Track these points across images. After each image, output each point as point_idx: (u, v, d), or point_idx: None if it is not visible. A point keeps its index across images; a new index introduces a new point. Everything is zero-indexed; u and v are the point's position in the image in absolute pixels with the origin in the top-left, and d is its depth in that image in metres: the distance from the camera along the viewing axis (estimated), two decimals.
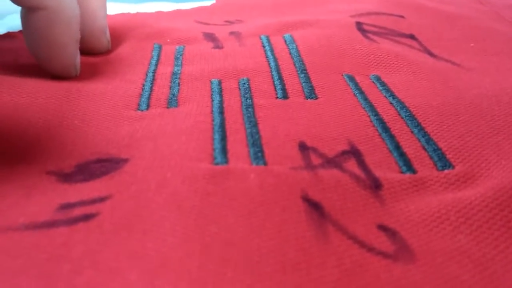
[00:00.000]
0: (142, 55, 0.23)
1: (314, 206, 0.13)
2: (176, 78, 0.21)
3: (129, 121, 0.18)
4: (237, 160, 0.14)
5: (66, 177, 0.14)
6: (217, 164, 0.14)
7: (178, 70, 0.22)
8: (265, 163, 0.14)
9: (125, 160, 0.14)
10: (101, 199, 0.12)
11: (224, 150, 0.15)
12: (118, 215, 0.12)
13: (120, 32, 0.26)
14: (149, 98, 0.19)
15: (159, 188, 0.13)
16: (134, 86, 0.20)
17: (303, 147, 0.15)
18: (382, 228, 0.12)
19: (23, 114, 0.17)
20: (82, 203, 0.12)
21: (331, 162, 0.15)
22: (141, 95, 0.19)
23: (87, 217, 0.12)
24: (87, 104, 0.18)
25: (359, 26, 0.25)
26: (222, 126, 0.16)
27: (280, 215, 0.12)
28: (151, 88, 0.20)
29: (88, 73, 0.21)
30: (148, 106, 0.19)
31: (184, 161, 0.14)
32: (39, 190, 0.13)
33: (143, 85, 0.20)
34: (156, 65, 0.22)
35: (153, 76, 0.21)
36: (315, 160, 0.15)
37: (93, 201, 0.12)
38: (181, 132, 0.16)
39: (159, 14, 0.31)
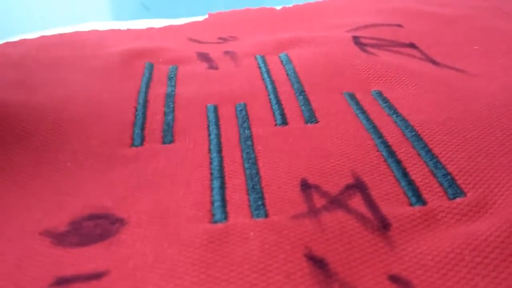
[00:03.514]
0: (134, 73, 0.23)
1: (319, 264, 0.12)
2: (170, 101, 0.20)
3: (123, 162, 0.17)
4: (237, 214, 0.14)
5: (60, 239, 0.13)
6: (216, 222, 0.13)
7: (172, 91, 0.21)
8: (265, 214, 0.14)
9: (121, 222, 0.14)
10: (98, 276, 0.12)
11: (223, 202, 0.14)
12: None
13: (110, 49, 0.25)
14: (142, 128, 0.19)
15: (156, 263, 0.12)
16: (127, 110, 0.20)
17: (305, 186, 0.15)
18: (394, 279, 0.12)
19: (10, 154, 0.17)
20: (78, 278, 0.12)
21: (335, 201, 0.14)
22: (134, 125, 0.19)
23: None
24: (77, 137, 0.18)
25: (357, 40, 0.24)
26: (221, 169, 0.16)
27: (284, 285, 0.11)
28: (144, 114, 0.19)
29: (79, 91, 0.20)
30: (142, 140, 0.18)
31: (182, 223, 0.13)
32: (33, 257, 0.13)
33: (136, 109, 0.20)
34: (148, 84, 0.22)
35: (146, 97, 0.21)
36: (318, 202, 0.14)
37: (90, 277, 0.12)
38: (178, 183, 0.15)
39: (150, 30, 0.30)
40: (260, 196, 0.14)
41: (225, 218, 0.14)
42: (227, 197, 0.14)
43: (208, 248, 0.12)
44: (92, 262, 0.12)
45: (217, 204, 0.14)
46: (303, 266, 0.12)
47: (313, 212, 0.14)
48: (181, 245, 0.12)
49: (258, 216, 0.14)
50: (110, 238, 0.13)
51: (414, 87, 0.21)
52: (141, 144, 0.18)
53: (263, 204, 0.14)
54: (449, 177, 0.15)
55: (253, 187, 0.15)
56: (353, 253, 0.12)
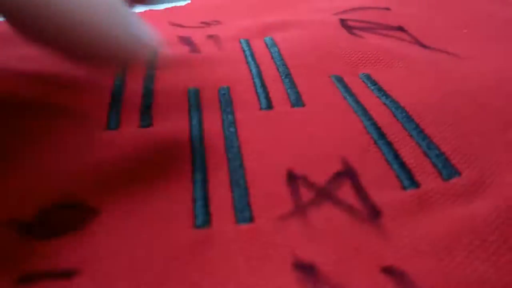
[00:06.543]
0: None
1: (308, 270, 0.11)
2: (150, 83, 0.19)
3: (98, 146, 0.16)
4: (220, 218, 0.13)
5: (28, 229, 0.12)
6: (198, 227, 0.12)
7: (151, 73, 0.20)
8: (250, 218, 0.13)
9: (94, 212, 0.13)
10: (67, 274, 0.11)
11: (205, 202, 0.13)
12: None
13: None
14: (119, 112, 0.17)
15: (130, 271, 0.11)
16: (103, 92, 0.18)
17: (292, 178, 0.14)
18: (388, 271, 0.11)
19: None
20: (45, 275, 0.11)
21: (323, 193, 0.13)
22: (110, 106, 0.18)
23: None
24: (53, 116, 0.17)
25: (344, 23, 0.23)
26: (202, 161, 0.15)
27: None
28: (121, 96, 0.18)
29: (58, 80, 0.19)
30: (118, 123, 0.17)
31: (160, 224, 0.12)
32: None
33: (113, 92, 0.19)
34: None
35: (123, 78, 0.19)
36: (305, 196, 0.13)
37: (58, 275, 0.11)
38: (157, 174, 0.14)
39: None
40: (245, 193, 0.13)
41: (208, 222, 0.12)
42: (210, 194, 0.13)
43: (190, 254, 0.11)
44: (61, 257, 0.11)
45: (199, 204, 0.13)
46: (292, 279, 0.11)
47: (299, 210, 0.13)
48: (160, 248, 0.11)
49: (243, 221, 0.13)
50: (81, 229, 0.12)
51: (404, 70, 0.20)
52: (118, 127, 0.17)
53: (248, 204, 0.13)
54: (442, 157, 0.15)
55: (237, 182, 0.14)
56: (344, 250, 0.11)
